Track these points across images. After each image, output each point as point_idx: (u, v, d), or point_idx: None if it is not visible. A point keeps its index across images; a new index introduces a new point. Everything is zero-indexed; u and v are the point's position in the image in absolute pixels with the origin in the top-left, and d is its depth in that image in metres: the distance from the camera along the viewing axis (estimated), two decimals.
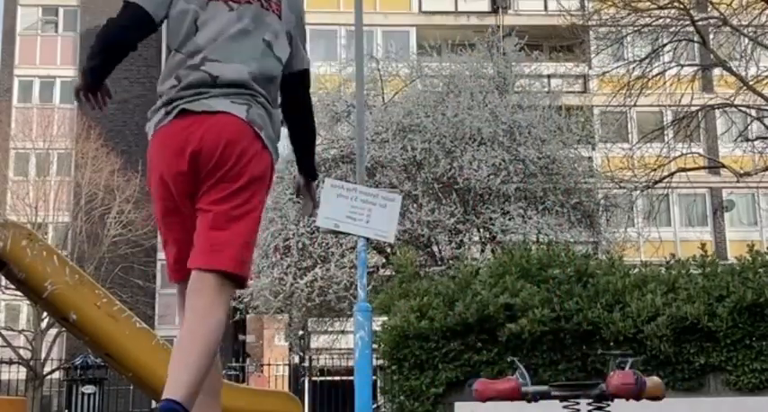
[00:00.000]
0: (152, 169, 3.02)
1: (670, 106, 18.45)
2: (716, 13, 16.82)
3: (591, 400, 5.27)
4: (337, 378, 21.52)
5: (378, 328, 8.76)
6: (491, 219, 16.69)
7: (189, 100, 2.98)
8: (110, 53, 3.07)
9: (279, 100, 3.27)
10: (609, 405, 5.24)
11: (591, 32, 19.34)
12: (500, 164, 16.79)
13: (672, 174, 17.33)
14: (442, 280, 9.10)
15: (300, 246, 17.08)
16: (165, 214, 3.03)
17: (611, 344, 7.73)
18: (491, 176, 16.61)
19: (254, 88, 3.06)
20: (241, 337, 34.82)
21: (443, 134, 16.99)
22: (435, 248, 17.33)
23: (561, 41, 20.88)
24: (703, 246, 8.56)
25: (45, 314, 22.17)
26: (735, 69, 16.58)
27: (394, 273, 10.08)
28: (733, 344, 7.63)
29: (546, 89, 21.42)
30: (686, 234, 26.01)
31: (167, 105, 3.01)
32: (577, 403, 5.32)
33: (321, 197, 8.19)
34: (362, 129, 10.04)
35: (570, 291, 8.03)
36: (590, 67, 23.75)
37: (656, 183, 17.14)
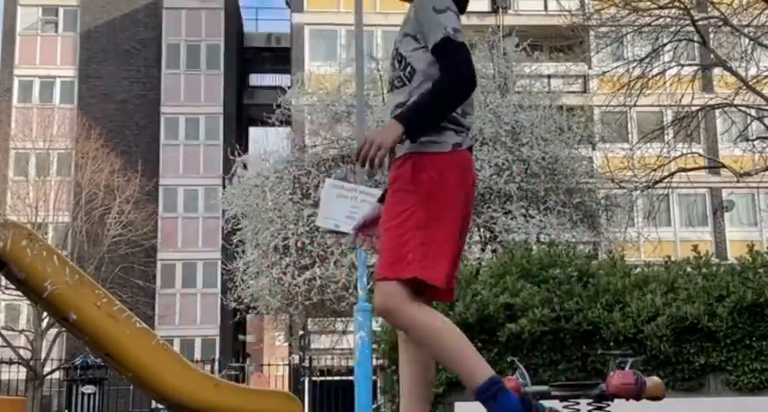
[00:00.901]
0: (455, 183, 3.15)
1: (670, 106, 18.43)
2: (716, 13, 16.78)
3: (591, 400, 5.27)
4: (337, 378, 21.53)
5: (378, 328, 8.76)
6: (492, 218, 16.68)
7: (468, 136, 3.25)
8: (462, 99, 3.16)
9: None
10: (609, 405, 5.25)
11: (591, 32, 19.31)
12: (503, 164, 16.77)
13: (672, 174, 17.30)
14: None
15: (300, 245, 17.09)
16: (462, 227, 3.22)
17: (611, 344, 7.72)
18: (494, 176, 16.60)
19: None
20: (241, 337, 34.84)
21: None
22: None
23: (561, 41, 20.86)
24: (695, 247, 8.55)
25: (45, 314, 22.18)
26: (735, 69, 16.57)
27: None
28: (733, 344, 7.62)
29: (546, 89, 21.41)
30: (686, 234, 26.00)
31: (459, 133, 3.22)
32: (577, 403, 5.33)
33: (321, 197, 8.18)
34: (362, 129, 10.04)
35: (570, 291, 8.02)
36: (590, 67, 23.76)
37: (657, 183, 17.11)
